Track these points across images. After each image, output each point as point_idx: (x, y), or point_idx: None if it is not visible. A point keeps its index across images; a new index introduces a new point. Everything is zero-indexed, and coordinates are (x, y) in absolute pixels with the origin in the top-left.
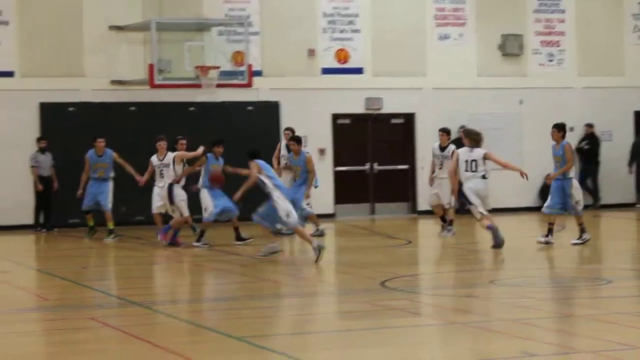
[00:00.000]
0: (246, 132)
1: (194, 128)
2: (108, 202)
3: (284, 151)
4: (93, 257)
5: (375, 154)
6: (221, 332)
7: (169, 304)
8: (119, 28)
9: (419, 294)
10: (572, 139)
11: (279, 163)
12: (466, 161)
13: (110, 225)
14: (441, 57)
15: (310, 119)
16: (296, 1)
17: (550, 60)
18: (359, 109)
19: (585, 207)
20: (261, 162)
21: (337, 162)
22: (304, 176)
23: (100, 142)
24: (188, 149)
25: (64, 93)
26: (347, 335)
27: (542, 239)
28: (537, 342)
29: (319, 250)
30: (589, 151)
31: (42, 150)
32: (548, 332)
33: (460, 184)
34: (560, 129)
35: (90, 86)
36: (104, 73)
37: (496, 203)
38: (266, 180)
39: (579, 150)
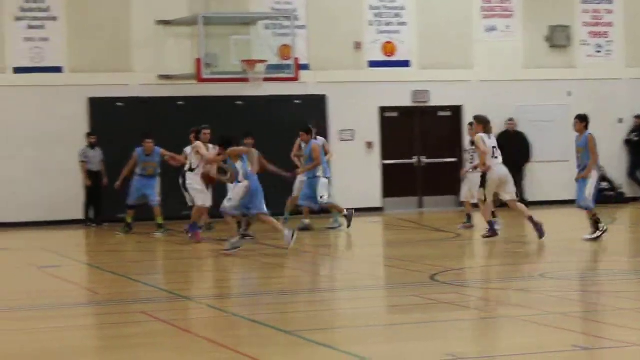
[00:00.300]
0: (293, 126)
1: (240, 122)
2: (156, 197)
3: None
4: (142, 252)
5: (423, 147)
6: (271, 325)
7: (218, 298)
8: (166, 23)
9: (468, 288)
10: (621, 130)
11: (298, 159)
12: (492, 147)
13: (159, 220)
14: (488, 49)
15: (357, 113)
16: None
17: (599, 52)
18: (406, 101)
19: (635, 199)
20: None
21: (384, 155)
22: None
23: (149, 143)
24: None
25: (112, 88)
26: (396, 329)
27: (589, 236)
28: (588, 335)
29: (292, 234)
30: (639, 143)
31: (91, 146)
32: (598, 325)
33: (484, 173)
34: (582, 119)
35: (138, 81)
36: (152, 68)
37: (543, 196)
38: (241, 170)
39: (628, 142)
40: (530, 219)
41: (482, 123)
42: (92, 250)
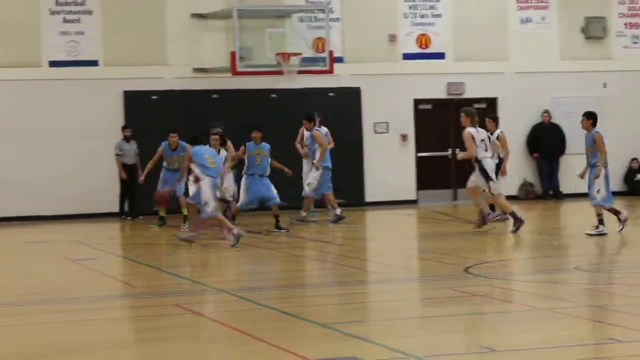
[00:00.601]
0: (327, 118)
1: (275, 115)
2: (181, 188)
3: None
4: (177, 245)
5: (457, 139)
6: (306, 318)
7: (252, 291)
8: (201, 16)
9: (503, 280)
10: None
11: (302, 147)
12: (482, 140)
13: (185, 212)
14: (523, 40)
15: (391, 105)
16: None
17: (635, 43)
18: (440, 94)
19: None
20: (195, 149)
21: (419, 148)
22: (312, 155)
23: (173, 137)
24: (268, 137)
25: (147, 81)
26: (431, 321)
27: (618, 228)
28: (623, 328)
29: (238, 238)
30: None
31: (126, 139)
32: (634, 318)
33: (479, 162)
34: (589, 117)
35: (172, 74)
36: (187, 61)
37: (578, 188)
38: (196, 169)
39: None
40: (512, 214)
41: (470, 116)
42: (127, 243)
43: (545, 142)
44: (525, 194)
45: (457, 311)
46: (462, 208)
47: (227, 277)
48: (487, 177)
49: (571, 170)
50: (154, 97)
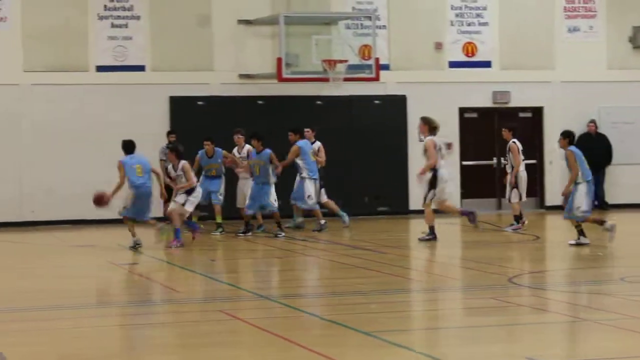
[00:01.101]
0: (372, 126)
1: (320, 122)
2: (218, 196)
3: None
4: (220, 250)
5: (502, 148)
6: (349, 326)
7: (295, 297)
8: (247, 22)
9: (546, 291)
10: None
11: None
12: (439, 149)
13: (219, 219)
14: (570, 49)
15: (436, 113)
16: None
17: None
18: (486, 102)
19: None
20: (126, 159)
21: (463, 156)
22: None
23: (208, 145)
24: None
25: (193, 87)
26: (474, 331)
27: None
28: None
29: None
30: None
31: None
32: None
33: (435, 170)
34: (565, 136)
35: (219, 80)
36: (233, 67)
37: (624, 198)
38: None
39: None
40: (462, 212)
41: (428, 124)
42: (171, 248)
43: (591, 152)
44: None
45: (500, 321)
46: (506, 217)
47: (270, 284)
48: (431, 186)
49: (617, 181)
50: (200, 102)
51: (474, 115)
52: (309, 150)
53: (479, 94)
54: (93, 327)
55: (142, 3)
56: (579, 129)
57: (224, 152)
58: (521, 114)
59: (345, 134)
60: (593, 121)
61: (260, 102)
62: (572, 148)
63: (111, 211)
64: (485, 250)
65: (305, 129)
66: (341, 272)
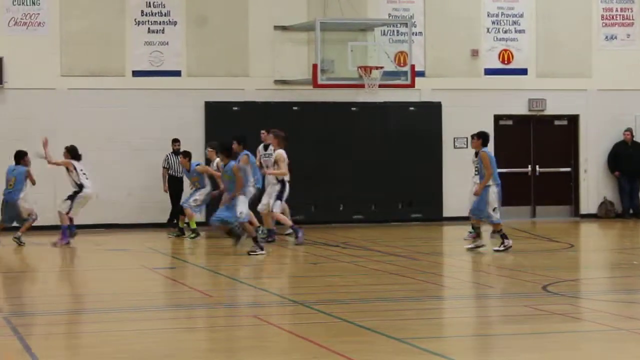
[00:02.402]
0: (407, 132)
1: (355, 128)
2: (190, 203)
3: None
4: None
5: (537, 156)
6: (381, 332)
7: (328, 303)
8: (283, 28)
9: (581, 299)
10: None
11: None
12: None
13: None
14: (607, 57)
15: (471, 120)
16: (460, 1)
17: None
18: (521, 110)
19: None
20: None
21: (498, 164)
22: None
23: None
24: (348, 150)
25: (228, 92)
26: (507, 339)
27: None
28: None
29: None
30: None
31: (175, 152)
32: None
33: (283, 182)
34: (479, 137)
35: (254, 86)
36: (268, 73)
37: None
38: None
39: None
40: (292, 227)
41: (278, 138)
42: (204, 253)
43: (627, 160)
44: (605, 212)
45: (534, 329)
46: (540, 225)
47: (304, 290)
48: (279, 197)
49: None
50: (235, 108)
51: (509, 122)
52: (254, 160)
53: (514, 101)
54: (124, 331)
55: (179, 9)
56: (615, 138)
57: (197, 167)
58: (557, 122)
59: (380, 141)
60: (629, 129)
61: (295, 108)
62: (486, 150)
63: (145, 216)
64: (519, 257)
65: (262, 131)
66: (374, 278)
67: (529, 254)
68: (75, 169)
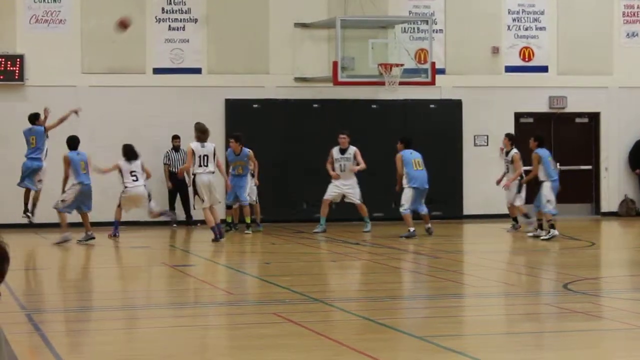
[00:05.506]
0: (427, 130)
1: (375, 126)
2: (246, 196)
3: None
4: (274, 253)
5: (558, 153)
6: (403, 330)
7: (350, 301)
8: (304, 25)
9: (602, 297)
10: None
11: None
12: (204, 156)
13: (248, 219)
14: (629, 55)
15: (492, 118)
16: None
17: None
18: (542, 107)
19: None
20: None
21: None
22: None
23: (232, 143)
24: (368, 148)
25: (249, 90)
26: (528, 337)
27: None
28: None
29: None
30: None
31: (175, 149)
32: None
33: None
34: (401, 140)
35: (274, 83)
36: (288, 70)
37: None
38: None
39: None
40: (213, 227)
41: (197, 132)
42: (223, 250)
43: None
44: (626, 210)
45: (555, 327)
46: (561, 223)
47: (324, 287)
48: (195, 192)
49: None
50: (255, 105)
51: (530, 120)
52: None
53: (535, 99)
54: (147, 329)
55: (200, 6)
56: (635, 135)
57: (250, 152)
58: (577, 120)
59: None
60: None
61: (315, 105)
62: (404, 152)
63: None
64: (540, 256)
65: (341, 135)
66: (395, 276)
67: (550, 252)
68: (121, 170)
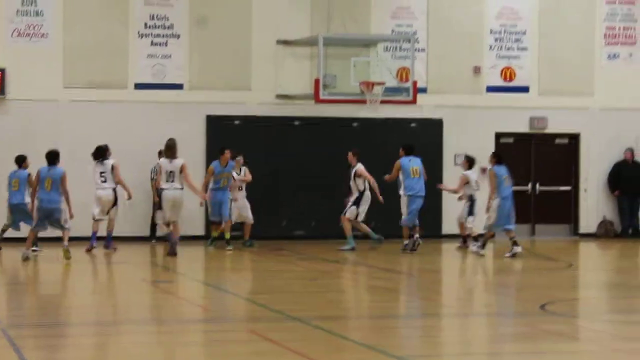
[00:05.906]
0: None
1: (356, 144)
2: (228, 212)
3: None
4: (252, 271)
5: (538, 174)
6: (381, 350)
7: (327, 320)
8: (286, 42)
9: (579, 319)
10: None
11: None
12: (171, 172)
13: (227, 235)
14: (610, 76)
15: (473, 138)
16: (464, 18)
17: None
18: (523, 128)
19: None
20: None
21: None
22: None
23: (227, 154)
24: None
25: (230, 106)
26: (505, 358)
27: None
28: None
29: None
30: None
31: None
32: None
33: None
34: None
35: (256, 100)
36: (270, 87)
37: None
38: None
39: None
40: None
41: (164, 148)
42: (204, 267)
43: (628, 180)
44: (605, 231)
45: (531, 348)
46: (540, 243)
47: (303, 306)
48: (159, 207)
49: None
50: (237, 122)
51: (510, 140)
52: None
53: (516, 119)
54: (121, 344)
55: (182, 22)
56: (615, 157)
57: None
58: (558, 140)
59: (381, 157)
60: (630, 149)
61: (296, 122)
62: (403, 159)
63: (148, 228)
64: (518, 276)
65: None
66: (372, 294)
67: (527, 272)
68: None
